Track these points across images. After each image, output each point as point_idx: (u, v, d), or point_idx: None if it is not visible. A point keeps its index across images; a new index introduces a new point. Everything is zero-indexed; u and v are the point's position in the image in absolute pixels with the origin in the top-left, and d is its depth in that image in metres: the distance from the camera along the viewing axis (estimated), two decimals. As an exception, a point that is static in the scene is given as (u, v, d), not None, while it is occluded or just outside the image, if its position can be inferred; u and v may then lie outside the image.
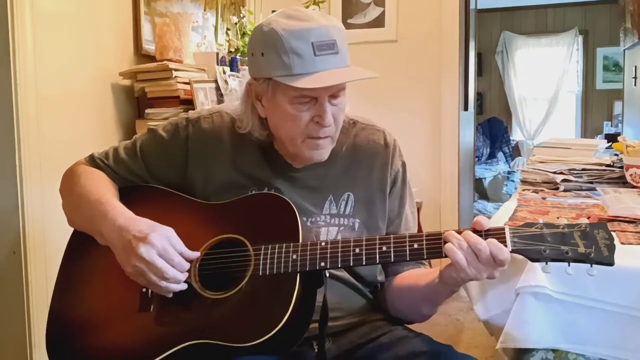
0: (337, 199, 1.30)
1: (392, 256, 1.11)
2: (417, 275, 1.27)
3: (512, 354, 1.39)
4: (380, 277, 1.35)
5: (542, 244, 1.05)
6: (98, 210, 1.23)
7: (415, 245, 1.10)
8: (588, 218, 1.66)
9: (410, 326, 1.34)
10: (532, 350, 1.32)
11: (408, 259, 1.11)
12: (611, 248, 1.03)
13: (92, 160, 1.39)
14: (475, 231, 1.08)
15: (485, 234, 1.08)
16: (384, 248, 1.11)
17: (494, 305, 1.42)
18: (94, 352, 1.22)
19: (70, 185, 1.34)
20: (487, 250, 1.05)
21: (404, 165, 1.38)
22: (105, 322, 1.23)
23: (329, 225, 1.28)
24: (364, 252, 1.12)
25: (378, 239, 1.13)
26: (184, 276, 1.15)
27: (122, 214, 1.21)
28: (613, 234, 1.07)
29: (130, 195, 1.33)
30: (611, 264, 1.03)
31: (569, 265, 1.04)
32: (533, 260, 1.06)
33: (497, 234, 1.07)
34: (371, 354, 1.25)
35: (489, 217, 1.18)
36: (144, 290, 1.20)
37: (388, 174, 1.34)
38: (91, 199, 1.26)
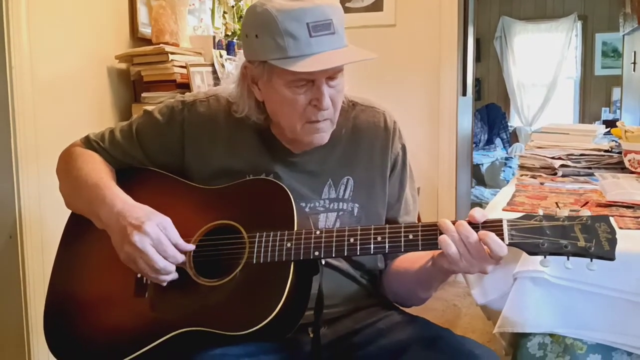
0: (337, 183, 1.29)
1: (387, 247, 1.09)
2: (413, 259, 1.25)
3: (510, 339, 1.40)
4: (381, 265, 1.34)
5: (540, 237, 1.02)
6: (96, 194, 1.22)
7: (411, 236, 1.08)
8: (586, 203, 1.65)
9: (407, 310, 1.34)
10: (529, 335, 1.33)
11: (403, 250, 1.10)
12: (612, 242, 1.00)
13: (88, 142, 1.37)
14: (471, 224, 1.06)
15: (483, 226, 1.05)
16: (379, 238, 1.09)
17: (491, 289, 1.42)
18: (91, 337, 1.22)
19: (67, 167, 1.33)
20: (478, 242, 1.03)
21: (404, 148, 1.36)
22: (102, 307, 1.23)
23: (328, 210, 1.27)
24: (358, 242, 1.10)
25: (373, 229, 1.11)
26: (174, 267, 1.14)
27: (121, 199, 1.20)
28: (613, 223, 1.04)
29: (127, 178, 1.32)
30: (612, 258, 1.00)
31: (568, 259, 1.02)
32: (531, 253, 1.04)
33: (495, 226, 1.05)
34: (369, 340, 1.24)
35: (486, 204, 1.17)
36: (139, 275, 1.20)
37: (388, 158, 1.33)
38: (89, 182, 1.25)
